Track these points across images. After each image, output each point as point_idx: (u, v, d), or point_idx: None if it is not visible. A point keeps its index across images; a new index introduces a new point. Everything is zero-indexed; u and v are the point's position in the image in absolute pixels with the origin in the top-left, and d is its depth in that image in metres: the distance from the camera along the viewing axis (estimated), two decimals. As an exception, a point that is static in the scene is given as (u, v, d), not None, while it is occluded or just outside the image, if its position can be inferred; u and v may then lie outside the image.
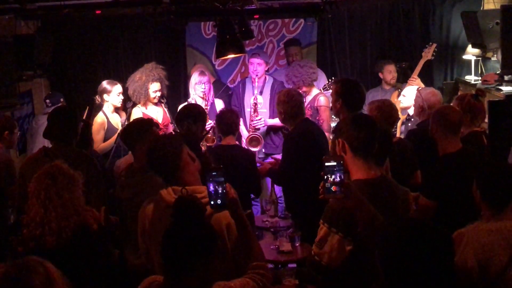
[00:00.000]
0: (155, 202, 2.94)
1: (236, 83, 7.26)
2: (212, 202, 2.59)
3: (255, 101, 6.38)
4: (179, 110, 5.20)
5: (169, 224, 2.36)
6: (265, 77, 6.57)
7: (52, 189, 3.24)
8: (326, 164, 2.55)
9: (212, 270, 2.34)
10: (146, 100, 6.18)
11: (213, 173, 2.56)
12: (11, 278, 1.89)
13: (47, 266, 1.98)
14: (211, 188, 2.57)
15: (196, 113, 4.86)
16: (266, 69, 6.53)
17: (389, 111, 4.73)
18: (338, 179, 2.57)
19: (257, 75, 6.40)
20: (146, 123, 4.29)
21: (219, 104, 6.44)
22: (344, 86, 4.48)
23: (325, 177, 2.55)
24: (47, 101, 6.36)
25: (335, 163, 2.55)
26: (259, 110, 6.41)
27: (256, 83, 6.45)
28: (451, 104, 5.06)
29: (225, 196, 2.58)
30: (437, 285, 2.02)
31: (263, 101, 6.46)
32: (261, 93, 6.49)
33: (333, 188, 2.57)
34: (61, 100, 6.34)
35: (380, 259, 2.13)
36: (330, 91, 5.18)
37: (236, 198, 2.66)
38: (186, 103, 5.87)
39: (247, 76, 6.90)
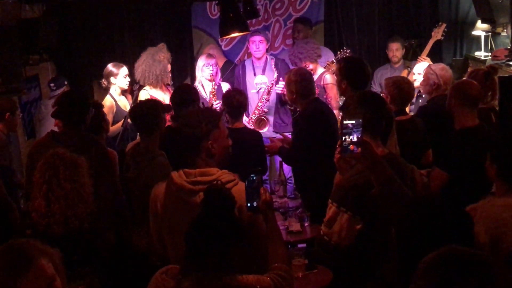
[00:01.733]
0: (167, 185, 2.88)
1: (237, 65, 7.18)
2: (248, 204, 2.56)
3: (268, 85, 6.30)
4: (177, 94, 5.02)
5: (198, 213, 2.34)
6: (266, 56, 6.50)
7: (54, 181, 3.21)
8: (345, 122, 2.52)
9: (233, 261, 2.33)
10: (159, 82, 6.10)
11: (253, 176, 2.54)
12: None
13: (49, 253, 1.95)
14: (250, 190, 2.55)
15: (194, 94, 4.90)
16: (267, 47, 6.45)
17: (407, 88, 4.70)
18: (355, 138, 2.54)
19: (260, 52, 6.34)
20: (156, 104, 4.30)
21: (226, 87, 6.41)
22: (348, 66, 4.43)
23: (343, 137, 2.51)
24: (51, 84, 6.36)
25: (353, 121, 2.52)
26: (262, 90, 6.36)
27: (257, 63, 6.40)
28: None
29: (260, 198, 2.56)
30: None
31: (267, 80, 6.39)
32: (263, 72, 6.43)
33: (350, 147, 2.54)
34: (65, 83, 6.34)
35: (398, 237, 2.09)
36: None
37: (271, 201, 2.63)
38: (178, 87, 5.72)
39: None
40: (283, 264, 2.57)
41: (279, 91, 6.12)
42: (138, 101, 5.57)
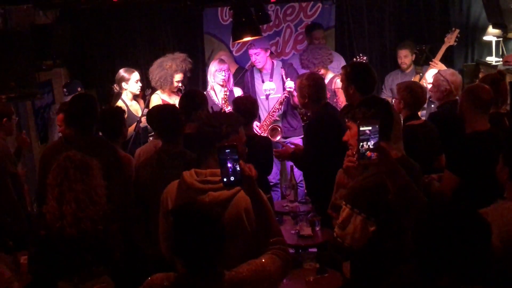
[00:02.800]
0: (178, 184, 2.92)
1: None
2: (224, 179, 2.50)
3: (284, 93, 6.29)
4: (185, 99, 5.04)
5: (172, 229, 2.37)
6: (272, 62, 6.50)
7: (65, 184, 3.26)
8: (361, 128, 2.50)
9: (223, 259, 2.37)
10: (167, 88, 6.20)
11: (227, 150, 2.47)
12: None
13: None
14: (225, 165, 2.48)
15: (203, 98, 4.93)
16: (267, 54, 6.41)
17: (420, 93, 4.71)
18: (372, 144, 2.52)
19: (260, 63, 6.35)
20: (177, 109, 4.32)
21: (238, 92, 6.43)
22: (355, 71, 4.45)
23: (360, 143, 2.50)
24: (64, 90, 6.41)
25: (370, 128, 2.50)
26: (271, 96, 6.37)
27: (264, 70, 6.42)
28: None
29: (238, 173, 2.48)
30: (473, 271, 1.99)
31: (276, 86, 6.41)
32: (271, 78, 6.45)
33: (367, 153, 2.53)
34: (79, 89, 6.33)
35: (416, 242, 2.07)
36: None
37: (252, 175, 2.57)
38: (186, 92, 5.71)
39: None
40: (277, 235, 2.63)
41: (290, 89, 6.10)
42: (150, 107, 5.63)
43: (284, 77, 6.32)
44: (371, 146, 2.53)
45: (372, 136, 2.50)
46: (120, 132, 4.58)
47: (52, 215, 3.23)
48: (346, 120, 3.19)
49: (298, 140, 6.15)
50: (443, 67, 6.26)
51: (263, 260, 2.47)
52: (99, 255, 3.24)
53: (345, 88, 4.49)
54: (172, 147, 4.08)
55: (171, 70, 6.13)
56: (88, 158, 3.41)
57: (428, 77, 5.98)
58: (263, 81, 6.47)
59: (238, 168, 2.48)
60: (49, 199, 3.29)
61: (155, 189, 3.86)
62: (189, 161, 3.88)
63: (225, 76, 6.25)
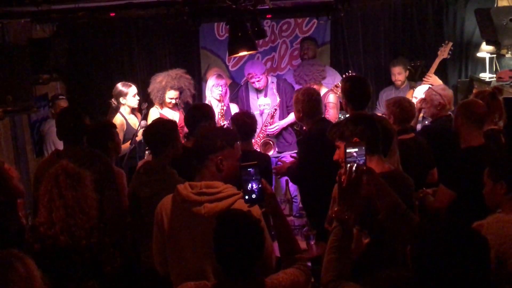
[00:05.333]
0: (173, 197, 2.94)
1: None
2: (246, 197, 2.61)
3: (273, 108, 6.37)
4: (192, 111, 5.08)
5: (216, 232, 2.41)
6: (268, 78, 6.55)
7: (54, 191, 3.26)
8: (348, 150, 2.55)
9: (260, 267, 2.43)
10: (162, 103, 6.25)
11: (249, 169, 2.59)
12: None
13: (27, 262, 2.00)
14: (247, 183, 2.60)
15: (208, 111, 4.93)
16: (263, 72, 6.47)
17: (408, 107, 4.75)
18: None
19: (261, 86, 6.47)
20: (171, 124, 4.31)
21: (234, 108, 6.47)
22: (349, 84, 4.55)
23: (347, 164, 2.54)
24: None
25: (356, 149, 2.55)
26: (265, 111, 6.44)
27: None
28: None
29: (261, 191, 2.60)
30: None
31: (270, 102, 6.47)
32: (265, 94, 6.50)
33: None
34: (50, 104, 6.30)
35: (414, 259, 2.05)
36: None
37: (273, 193, 2.70)
38: (194, 104, 5.81)
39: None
40: (300, 252, 2.71)
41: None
42: (148, 120, 5.67)
43: (275, 91, 6.39)
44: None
45: (358, 157, 2.55)
46: (106, 147, 4.54)
47: (44, 226, 3.22)
48: (336, 139, 3.21)
49: (294, 154, 6.16)
50: (437, 80, 6.30)
51: (294, 272, 2.52)
52: (90, 269, 3.23)
53: (345, 104, 4.62)
54: (154, 162, 4.10)
55: (160, 85, 6.20)
56: (81, 169, 3.41)
57: (417, 93, 5.98)
58: (257, 97, 6.52)
59: (260, 186, 2.60)
60: (40, 208, 3.29)
61: (142, 203, 3.92)
62: (163, 178, 3.92)
63: (222, 91, 6.29)
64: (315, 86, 6.16)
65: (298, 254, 2.69)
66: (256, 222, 2.43)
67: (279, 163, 5.66)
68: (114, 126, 4.87)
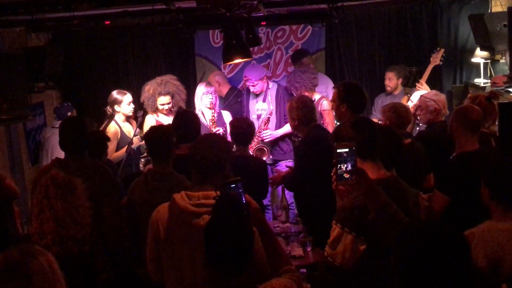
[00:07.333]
0: (169, 207, 2.90)
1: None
2: None
3: (267, 114, 6.40)
4: (176, 120, 5.03)
5: (209, 220, 2.33)
6: (266, 83, 6.58)
7: (44, 202, 3.25)
8: (338, 151, 2.57)
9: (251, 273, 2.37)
10: (155, 110, 6.26)
11: (232, 185, 2.51)
12: (11, 262, 1.91)
13: (48, 257, 2.01)
14: None
15: (194, 118, 4.99)
16: (264, 80, 6.51)
17: (404, 113, 4.77)
18: (350, 166, 2.58)
19: (258, 91, 6.50)
20: (169, 129, 4.33)
21: (226, 115, 6.50)
22: (347, 90, 4.53)
23: (338, 165, 2.55)
24: (55, 115, 6.39)
25: (347, 150, 2.56)
26: (262, 116, 6.46)
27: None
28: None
29: (246, 206, 2.51)
30: None
31: (267, 107, 6.49)
32: (264, 99, 6.53)
33: (345, 175, 2.58)
34: (69, 113, 6.26)
35: (396, 262, 2.06)
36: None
37: (258, 207, 2.68)
38: (177, 112, 5.70)
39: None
40: (288, 264, 2.67)
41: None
42: (143, 127, 5.68)
43: (269, 98, 6.44)
44: (348, 168, 2.59)
45: (349, 158, 2.56)
46: (100, 159, 4.58)
47: (36, 236, 3.23)
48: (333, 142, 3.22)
49: (289, 163, 6.15)
50: (427, 88, 6.33)
51: (287, 281, 2.46)
52: (85, 277, 3.22)
53: (336, 107, 4.56)
54: (160, 168, 4.09)
55: (149, 94, 6.27)
56: (72, 178, 3.39)
57: (414, 99, 6.02)
58: (256, 101, 6.56)
59: (243, 201, 2.51)
60: (32, 218, 3.29)
61: (144, 210, 3.90)
62: (176, 183, 3.90)
63: (212, 99, 6.35)
64: (306, 93, 6.17)
65: (286, 266, 2.64)
66: (245, 216, 2.36)
67: (275, 172, 5.68)
68: (107, 137, 5.02)
